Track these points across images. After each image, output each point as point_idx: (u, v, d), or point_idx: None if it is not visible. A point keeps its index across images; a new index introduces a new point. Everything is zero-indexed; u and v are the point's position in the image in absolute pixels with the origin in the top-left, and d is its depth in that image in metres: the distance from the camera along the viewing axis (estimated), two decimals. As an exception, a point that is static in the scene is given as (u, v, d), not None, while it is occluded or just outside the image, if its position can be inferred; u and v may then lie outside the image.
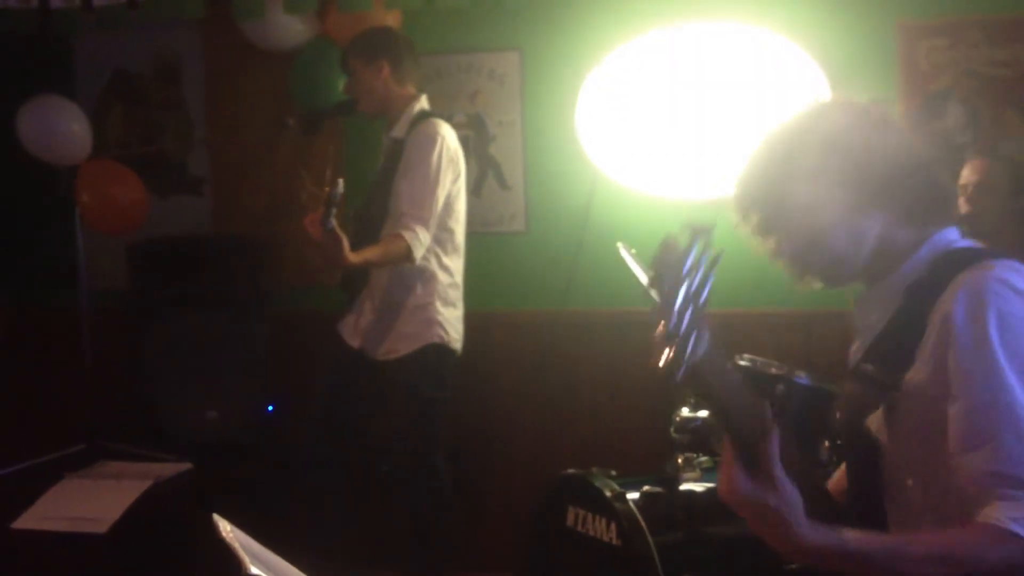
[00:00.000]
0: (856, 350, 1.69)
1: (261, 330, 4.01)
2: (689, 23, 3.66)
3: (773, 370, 2.74)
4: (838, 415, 1.61)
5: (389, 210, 3.45)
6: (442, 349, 3.53)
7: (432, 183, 3.37)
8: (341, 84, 4.01)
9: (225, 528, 1.32)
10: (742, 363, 2.80)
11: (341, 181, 3.08)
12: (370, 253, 3.33)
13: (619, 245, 3.35)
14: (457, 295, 3.59)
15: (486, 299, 4.07)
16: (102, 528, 3.00)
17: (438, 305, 3.52)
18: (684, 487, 2.86)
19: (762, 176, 1.63)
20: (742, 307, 3.80)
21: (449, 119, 3.63)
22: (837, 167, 1.56)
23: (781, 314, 3.77)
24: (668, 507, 2.77)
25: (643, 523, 2.63)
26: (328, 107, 3.94)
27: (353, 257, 3.22)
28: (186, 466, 3.47)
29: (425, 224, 3.34)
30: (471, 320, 3.89)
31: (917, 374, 1.49)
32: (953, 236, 1.61)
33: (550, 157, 4.02)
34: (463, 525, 3.81)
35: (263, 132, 4.20)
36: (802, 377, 2.69)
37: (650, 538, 2.60)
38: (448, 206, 3.47)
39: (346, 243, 3.18)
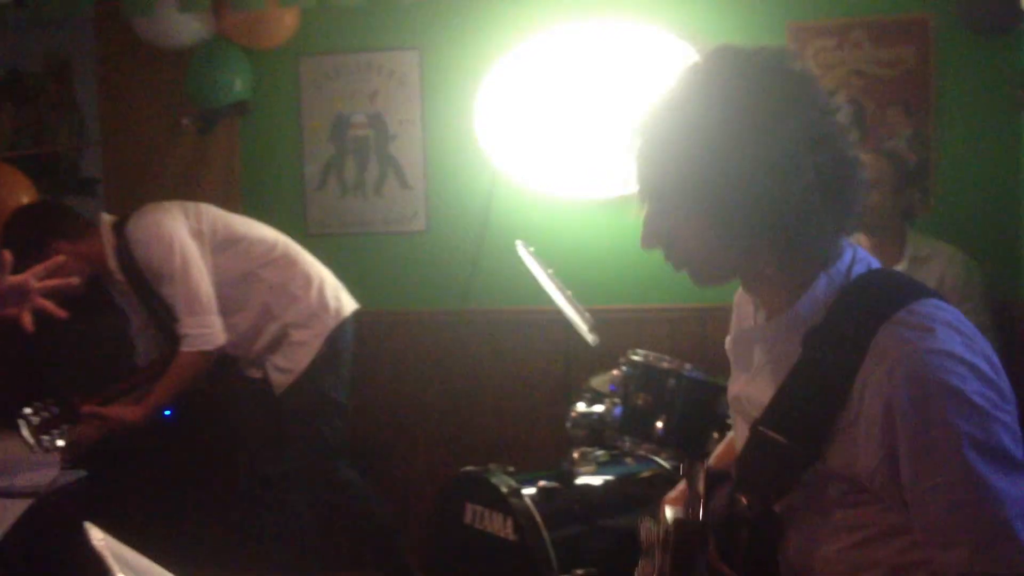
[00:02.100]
0: (741, 393, 1.51)
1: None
2: (584, 23, 3.72)
3: (664, 364, 2.81)
4: (744, 500, 1.40)
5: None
6: (335, 336, 3.47)
7: (195, 274, 3.27)
8: (237, 83, 3.99)
9: (96, 536, 1.30)
10: (635, 358, 2.86)
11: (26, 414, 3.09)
12: (161, 391, 3.27)
13: (517, 243, 3.40)
14: (311, 273, 3.50)
15: (387, 299, 4.07)
16: None
17: (305, 294, 3.46)
18: (580, 481, 2.89)
19: (654, 167, 1.37)
20: (638, 303, 3.86)
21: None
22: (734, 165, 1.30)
23: (677, 309, 3.84)
24: (564, 501, 2.80)
25: (538, 518, 2.66)
26: (224, 106, 3.90)
27: (142, 411, 3.23)
28: (80, 473, 3.40)
29: (204, 314, 3.27)
30: (372, 320, 3.89)
31: (857, 458, 1.30)
32: (848, 259, 1.39)
33: (450, 156, 4.03)
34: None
35: (157, 132, 4.13)
36: (691, 371, 2.75)
37: (545, 532, 2.63)
38: (226, 247, 3.38)
39: (117, 410, 3.20)
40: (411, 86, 4.05)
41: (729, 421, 2.92)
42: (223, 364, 3.48)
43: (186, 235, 3.31)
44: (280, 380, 3.46)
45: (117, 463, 3.58)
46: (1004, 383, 1.30)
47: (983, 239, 3.61)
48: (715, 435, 2.79)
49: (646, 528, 1.47)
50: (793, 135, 1.30)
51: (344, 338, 3.52)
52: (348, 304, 3.55)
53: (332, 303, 3.50)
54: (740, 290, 1.60)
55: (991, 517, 1.22)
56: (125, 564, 1.27)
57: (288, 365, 3.45)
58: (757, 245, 1.35)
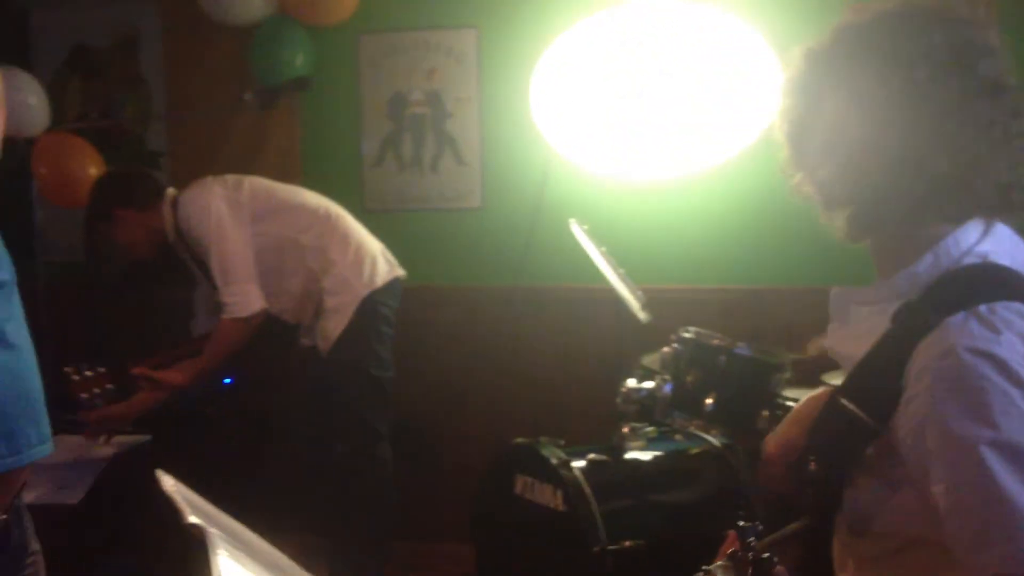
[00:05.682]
0: (833, 346, 1.52)
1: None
2: (643, 1, 3.71)
3: (716, 341, 2.82)
4: (813, 466, 1.42)
5: None
6: (368, 305, 3.51)
7: (230, 244, 3.38)
8: (299, 59, 4.06)
9: (168, 482, 1.36)
10: (686, 335, 2.88)
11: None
12: (207, 357, 3.39)
13: (571, 222, 3.43)
14: (350, 239, 3.57)
15: (442, 274, 4.13)
16: (75, 498, 3.01)
17: (345, 269, 3.53)
18: (629, 455, 2.93)
19: (808, 96, 1.45)
20: (691, 283, 3.88)
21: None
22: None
23: (730, 290, 3.85)
24: (613, 474, 2.84)
25: (587, 490, 2.69)
26: (286, 82, 3.98)
27: (188, 375, 3.34)
28: (145, 437, 3.50)
29: (239, 282, 3.37)
30: (426, 294, 3.95)
31: (903, 428, 1.29)
32: (972, 239, 1.35)
33: (506, 134, 4.07)
34: (417, 496, 3.89)
35: (221, 107, 4.22)
36: (742, 348, 2.77)
37: (594, 504, 2.67)
38: (268, 215, 3.48)
39: (165, 374, 3.32)
40: (468, 64, 4.10)
41: (778, 400, 2.94)
42: (284, 332, 3.56)
43: (223, 206, 3.40)
44: (322, 349, 3.53)
45: (180, 428, 3.68)
46: None
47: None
48: (764, 413, 2.81)
49: None
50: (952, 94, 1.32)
51: (378, 309, 3.54)
52: (384, 273, 3.56)
53: (366, 271, 3.53)
54: None
55: (1015, 519, 1.18)
56: (195, 508, 1.33)
57: (326, 333, 3.51)
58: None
